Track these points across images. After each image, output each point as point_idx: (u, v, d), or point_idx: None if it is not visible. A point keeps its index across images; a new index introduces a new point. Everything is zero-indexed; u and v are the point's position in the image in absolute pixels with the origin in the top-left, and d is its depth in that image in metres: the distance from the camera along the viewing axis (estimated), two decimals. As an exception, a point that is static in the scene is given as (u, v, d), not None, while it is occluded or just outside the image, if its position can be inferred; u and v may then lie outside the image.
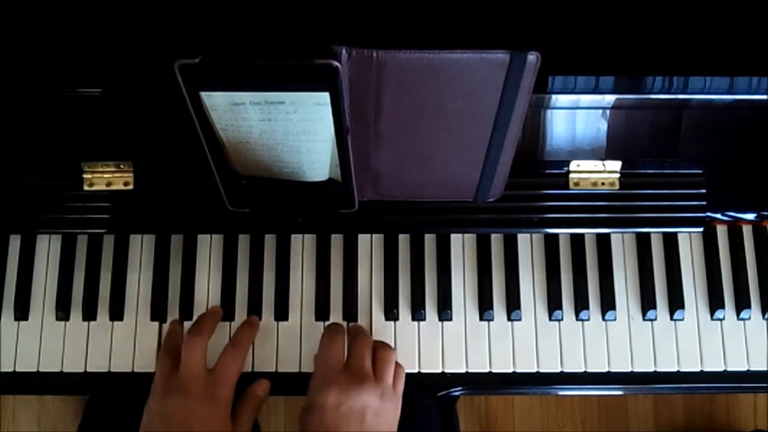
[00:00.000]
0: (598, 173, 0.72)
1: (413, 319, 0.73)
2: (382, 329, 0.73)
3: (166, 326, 0.73)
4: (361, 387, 0.63)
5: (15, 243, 0.74)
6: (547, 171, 0.72)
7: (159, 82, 0.61)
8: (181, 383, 0.65)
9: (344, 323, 0.73)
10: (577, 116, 0.70)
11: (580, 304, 0.73)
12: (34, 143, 0.70)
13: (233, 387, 0.67)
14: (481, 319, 0.73)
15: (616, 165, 0.72)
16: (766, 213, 0.74)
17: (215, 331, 0.71)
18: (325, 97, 0.53)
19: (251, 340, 0.71)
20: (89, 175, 0.71)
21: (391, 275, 0.74)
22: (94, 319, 0.73)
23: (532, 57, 0.54)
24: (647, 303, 0.73)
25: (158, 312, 0.73)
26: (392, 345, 0.72)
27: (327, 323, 0.73)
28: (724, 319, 0.74)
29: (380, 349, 0.67)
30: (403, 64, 0.55)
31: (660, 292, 0.74)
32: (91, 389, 0.75)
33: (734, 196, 0.74)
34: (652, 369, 0.73)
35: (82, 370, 0.72)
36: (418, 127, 0.61)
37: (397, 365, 0.68)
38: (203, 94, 0.53)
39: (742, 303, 0.74)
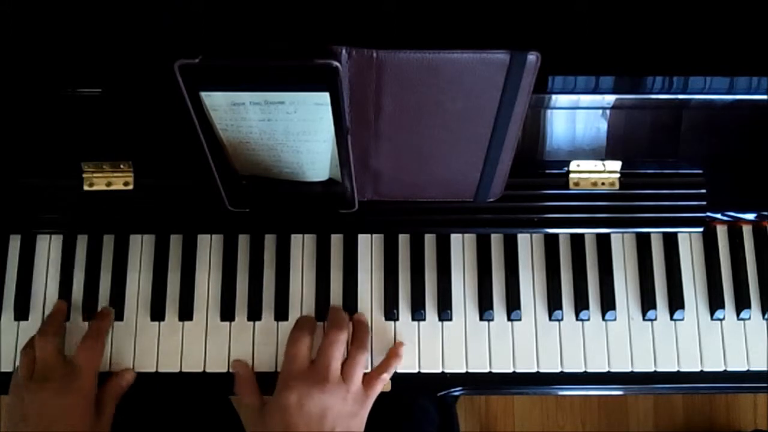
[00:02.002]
0: (598, 173, 0.72)
1: (413, 319, 0.73)
2: (382, 329, 0.73)
3: (165, 326, 0.72)
4: (323, 388, 0.63)
5: (15, 243, 0.74)
6: (547, 171, 0.72)
7: (159, 82, 0.61)
8: (38, 377, 0.66)
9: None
10: (577, 116, 0.70)
11: (580, 304, 0.73)
12: (34, 143, 0.70)
13: (93, 378, 0.67)
14: (481, 319, 0.73)
15: (616, 165, 0.72)
16: (766, 213, 0.74)
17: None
18: (325, 97, 0.53)
19: (107, 330, 0.71)
20: (89, 175, 0.71)
21: (391, 275, 0.74)
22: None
23: (532, 57, 0.54)
24: (647, 303, 0.73)
25: (158, 312, 0.73)
26: (392, 345, 0.72)
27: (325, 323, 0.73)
28: (724, 319, 0.74)
29: (353, 349, 0.67)
30: (403, 64, 0.55)
31: (660, 292, 0.74)
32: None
33: (734, 196, 0.74)
34: (652, 369, 0.72)
35: (82, 370, 0.72)
36: (418, 126, 0.61)
37: (378, 371, 0.68)
38: (203, 94, 0.53)
39: (742, 303, 0.74)
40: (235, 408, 0.65)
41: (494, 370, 0.72)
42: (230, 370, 0.70)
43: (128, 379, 0.70)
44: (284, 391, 0.63)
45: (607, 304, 0.73)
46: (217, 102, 0.54)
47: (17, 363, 0.69)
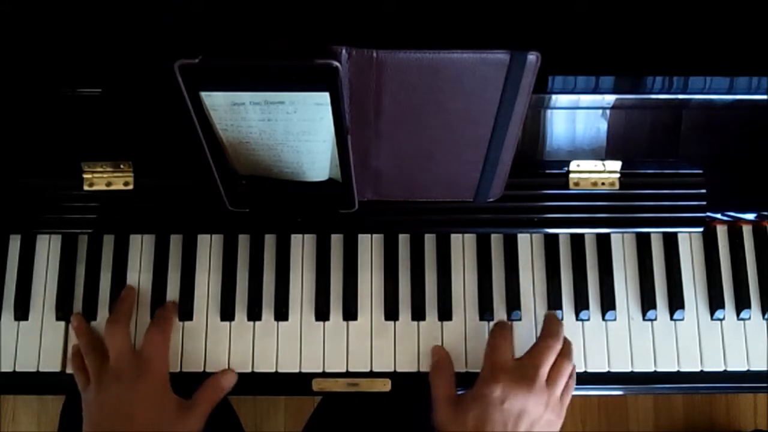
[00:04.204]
0: (598, 173, 0.72)
1: (413, 319, 0.73)
2: (382, 329, 0.73)
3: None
4: (528, 389, 0.63)
5: (15, 243, 0.74)
6: (547, 171, 0.72)
7: (159, 82, 0.61)
8: (113, 369, 0.66)
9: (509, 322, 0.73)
10: (577, 116, 0.70)
11: (580, 304, 0.73)
12: (34, 143, 0.70)
13: (166, 362, 0.68)
14: (481, 319, 0.73)
15: (616, 165, 0.72)
16: (766, 213, 0.74)
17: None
18: (325, 97, 0.53)
19: (173, 317, 0.71)
20: (89, 175, 0.71)
21: (391, 275, 0.74)
22: (94, 319, 0.73)
23: (532, 57, 0.54)
24: (647, 303, 0.73)
25: (158, 312, 0.73)
26: (392, 345, 0.72)
27: (326, 323, 0.73)
28: (724, 319, 0.74)
29: (560, 357, 0.67)
30: (403, 64, 0.55)
31: (660, 292, 0.74)
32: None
33: (734, 196, 0.74)
34: (652, 369, 0.72)
35: (82, 370, 0.72)
36: (418, 127, 0.61)
37: (571, 378, 0.68)
38: (203, 94, 0.53)
39: (742, 303, 0.74)
40: (469, 396, 0.66)
41: (494, 370, 0.72)
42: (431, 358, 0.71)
43: (230, 381, 0.70)
44: (489, 382, 0.63)
45: (607, 304, 0.73)
46: (217, 102, 0.54)
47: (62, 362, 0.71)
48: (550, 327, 0.69)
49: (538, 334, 0.73)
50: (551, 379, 0.65)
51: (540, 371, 0.64)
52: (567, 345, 0.69)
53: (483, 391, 0.64)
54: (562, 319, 0.73)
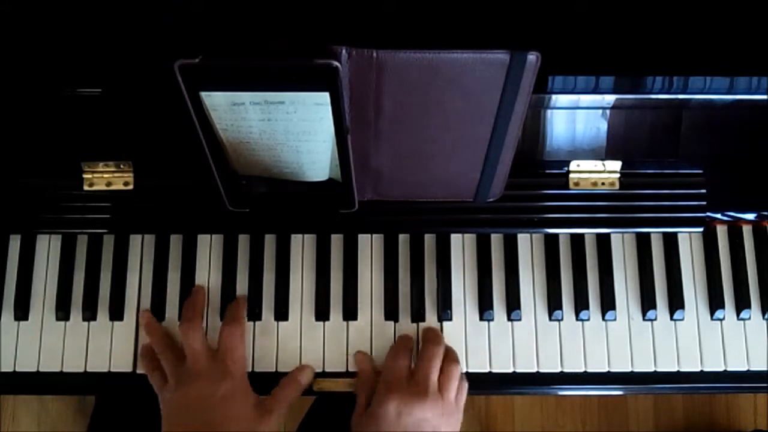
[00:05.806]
0: (598, 173, 0.72)
1: (413, 319, 0.73)
2: (382, 329, 0.73)
3: (165, 325, 0.72)
4: (423, 400, 0.64)
5: (15, 243, 0.74)
6: (547, 171, 0.72)
7: (159, 82, 0.61)
8: (191, 369, 0.66)
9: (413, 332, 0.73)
10: (577, 116, 0.70)
11: (580, 304, 0.73)
12: (34, 143, 0.70)
13: (243, 359, 0.68)
14: (481, 319, 0.73)
15: (616, 165, 0.72)
16: (766, 213, 0.74)
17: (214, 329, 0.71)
18: (325, 97, 0.53)
19: (244, 313, 0.71)
20: (89, 175, 0.71)
21: (391, 275, 0.74)
22: (94, 319, 0.73)
23: (532, 57, 0.54)
24: (647, 303, 0.73)
25: (158, 312, 0.73)
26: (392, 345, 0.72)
27: (326, 323, 0.73)
28: (724, 319, 0.74)
29: (446, 363, 0.68)
30: (403, 64, 0.55)
31: (660, 292, 0.74)
32: (91, 389, 0.75)
33: (734, 196, 0.74)
34: (652, 369, 0.72)
35: (82, 370, 0.72)
36: (418, 127, 0.61)
37: (461, 380, 0.69)
38: (203, 94, 0.53)
39: (742, 303, 0.74)
40: (366, 414, 0.66)
41: (494, 370, 0.72)
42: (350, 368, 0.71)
43: (308, 376, 0.70)
44: (384, 400, 0.64)
45: (607, 304, 0.73)
46: (217, 102, 0.54)
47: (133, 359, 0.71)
48: (428, 335, 0.70)
49: (537, 335, 0.73)
50: (442, 385, 0.66)
51: (429, 378, 0.66)
52: (450, 350, 0.70)
53: (379, 409, 0.65)
54: (562, 319, 0.73)
